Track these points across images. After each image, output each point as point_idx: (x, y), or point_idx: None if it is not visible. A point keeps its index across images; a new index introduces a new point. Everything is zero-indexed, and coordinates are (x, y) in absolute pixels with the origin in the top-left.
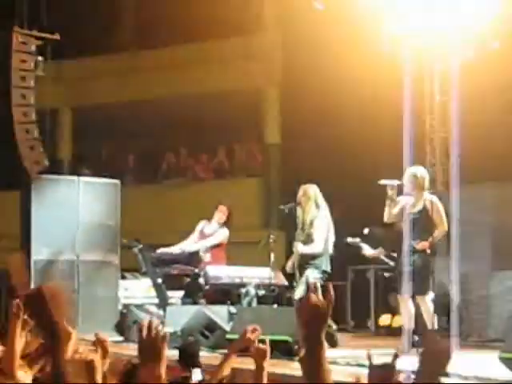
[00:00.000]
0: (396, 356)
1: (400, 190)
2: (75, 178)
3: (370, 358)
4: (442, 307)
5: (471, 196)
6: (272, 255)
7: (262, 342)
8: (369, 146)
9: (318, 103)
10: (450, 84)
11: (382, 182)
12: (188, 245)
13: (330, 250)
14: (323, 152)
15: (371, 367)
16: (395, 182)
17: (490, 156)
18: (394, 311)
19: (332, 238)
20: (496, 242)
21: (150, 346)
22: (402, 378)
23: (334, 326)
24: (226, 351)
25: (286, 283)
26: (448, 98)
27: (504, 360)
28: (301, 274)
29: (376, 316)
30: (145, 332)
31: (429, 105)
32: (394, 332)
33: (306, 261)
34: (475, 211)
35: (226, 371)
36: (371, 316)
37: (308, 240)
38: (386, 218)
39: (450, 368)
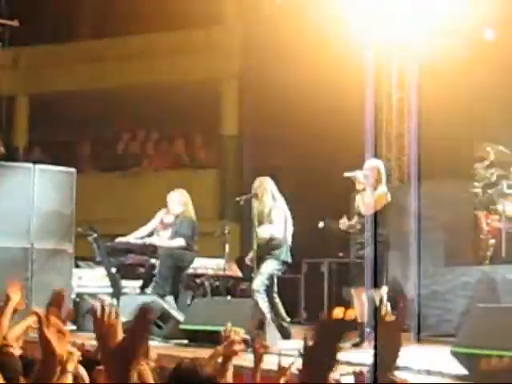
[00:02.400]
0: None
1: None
2: (31, 165)
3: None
4: (395, 301)
5: (428, 192)
6: (227, 246)
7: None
8: (327, 140)
9: (277, 96)
10: (406, 80)
11: (347, 174)
12: (146, 234)
13: (289, 241)
14: (281, 144)
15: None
16: (360, 174)
17: (447, 153)
18: (348, 304)
19: (290, 229)
20: (451, 238)
21: (106, 331)
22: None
23: (288, 319)
24: (179, 342)
25: (241, 275)
26: (405, 94)
27: (455, 354)
28: (259, 265)
29: (329, 309)
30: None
31: (386, 100)
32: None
33: (265, 251)
34: (431, 207)
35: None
36: (324, 309)
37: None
38: (363, 211)
39: (403, 362)
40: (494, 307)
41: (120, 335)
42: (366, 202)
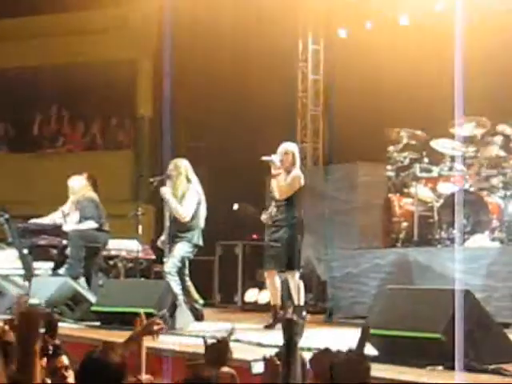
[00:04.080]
0: (231, 333)
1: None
2: None
3: (231, 333)
4: (308, 284)
5: (341, 175)
6: (140, 228)
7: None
8: (248, 124)
9: (192, 78)
10: (321, 63)
11: (264, 158)
12: (59, 216)
13: (202, 224)
14: (200, 127)
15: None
16: (276, 158)
17: (361, 137)
18: (262, 287)
19: (203, 213)
20: (364, 220)
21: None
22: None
23: (201, 301)
24: (91, 324)
25: (154, 257)
26: (319, 76)
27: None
28: (171, 248)
29: (243, 291)
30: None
31: (301, 83)
32: (260, 308)
33: (177, 234)
34: (345, 190)
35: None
36: (238, 291)
37: None
38: (277, 195)
39: (314, 343)
40: (404, 288)
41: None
42: (280, 185)
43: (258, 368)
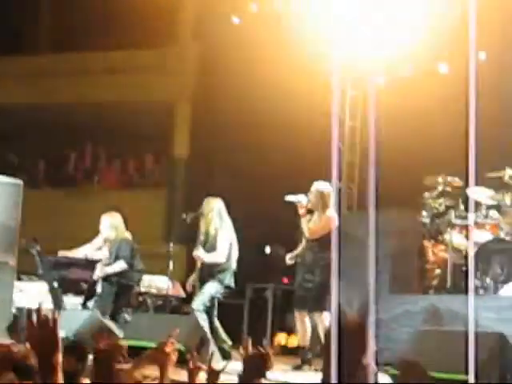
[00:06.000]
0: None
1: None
2: None
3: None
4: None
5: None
6: (171, 264)
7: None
8: (277, 165)
9: (231, 120)
10: (359, 109)
11: (289, 198)
12: (90, 250)
13: (234, 265)
14: (231, 169)
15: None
16: (303, 199)
17: (396, 182)
18: (291, 331)
19: (235, 254)
20: (397, 266)
21: (43, 335)
22: None
23: (229, 342)
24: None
25: (184, 295)
26: (357, 123)
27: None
28: (201, 287)
29: (272, 335)
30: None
31: (338, 129)
32: (289, 352)
33: (209, 274)
34: (379, 236)
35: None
36: (267, 335)
37: (211, 251)
38: (308, 235)
39: None
40: (436, 330)
41: (58, 341)
42: (311, 226)
43: None
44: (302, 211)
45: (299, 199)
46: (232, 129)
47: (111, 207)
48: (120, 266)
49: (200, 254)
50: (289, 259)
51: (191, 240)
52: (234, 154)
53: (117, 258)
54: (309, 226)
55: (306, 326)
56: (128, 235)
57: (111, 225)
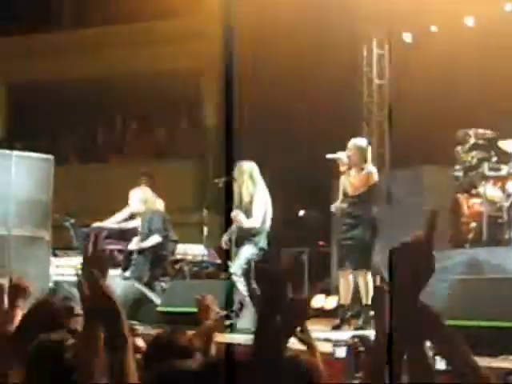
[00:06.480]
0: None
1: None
2: (8, 152)
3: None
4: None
5: (408, 178)
6: (205, 230)
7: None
8: (310, 129)
9: (262, 87)
10: (386, 68)
11: (329, 156)
12: (123, 219)
13: (268, 227)
14: (263, 133)
15: None
16: (343, 155)
17: (427, 137)
18: (328, 293)
19: (270, 215)
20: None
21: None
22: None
23: None
24: (157, 325)
25: (219, 261)
26: (385, 81)
27: None
28: (236, 250)
29: (309, 297)
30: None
31: (367, 88)
32: (327, 313)
33: (244, 237)
34: (412, 193)
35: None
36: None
37: (247, 215)
38: (351, 192)
39: None
40: (474, 278)
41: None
42: (353, 181)
43: (341, 352)
44: (343, 168)
45: (340, 156)
46: (260, 91)
47: (143, 173)
48: (155, 240)
49: (240, 217)
50: (334, 210)
51: (224, 207)
52: (266, 118)
53: (149, 231)
54: (351, 181)
55: (349, 284)
56: (160, 206)
57: (140, 199)
